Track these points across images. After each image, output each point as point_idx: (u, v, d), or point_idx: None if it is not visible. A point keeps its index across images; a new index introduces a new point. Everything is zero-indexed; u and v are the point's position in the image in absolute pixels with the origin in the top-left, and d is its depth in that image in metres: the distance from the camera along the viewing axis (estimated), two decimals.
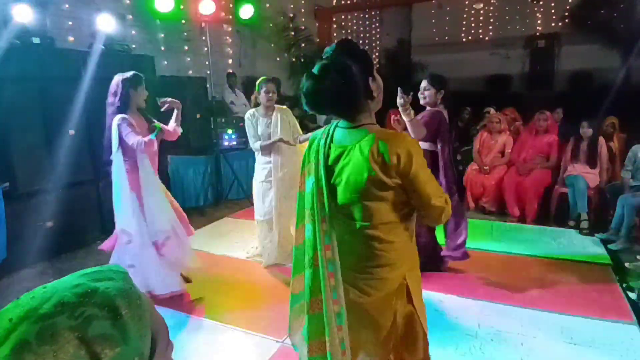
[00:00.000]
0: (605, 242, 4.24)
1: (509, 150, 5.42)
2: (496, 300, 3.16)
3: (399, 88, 2.80)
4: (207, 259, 3.99)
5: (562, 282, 3.47)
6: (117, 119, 3.02)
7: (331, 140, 1.54)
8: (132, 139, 2.99)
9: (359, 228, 1.50)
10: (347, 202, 1.50)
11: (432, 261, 3.58)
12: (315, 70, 1.47)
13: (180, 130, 3.40)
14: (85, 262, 4.11)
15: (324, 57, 1.50)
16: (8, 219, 3.64)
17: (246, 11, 5.91)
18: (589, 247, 4.20)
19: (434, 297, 3.22)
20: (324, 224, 1.52)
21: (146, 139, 3.02)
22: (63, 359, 0.42)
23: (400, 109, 2.85)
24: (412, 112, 2.89)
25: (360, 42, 11.08)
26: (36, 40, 4.14)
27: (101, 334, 0.45)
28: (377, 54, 11.30)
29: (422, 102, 3.45)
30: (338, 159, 1.51)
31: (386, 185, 1.43)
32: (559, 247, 4.19)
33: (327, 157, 1.52)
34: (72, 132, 4.25)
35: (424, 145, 3.41)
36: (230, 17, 6.62)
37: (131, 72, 3.10)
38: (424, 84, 3.43)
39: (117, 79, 3.07)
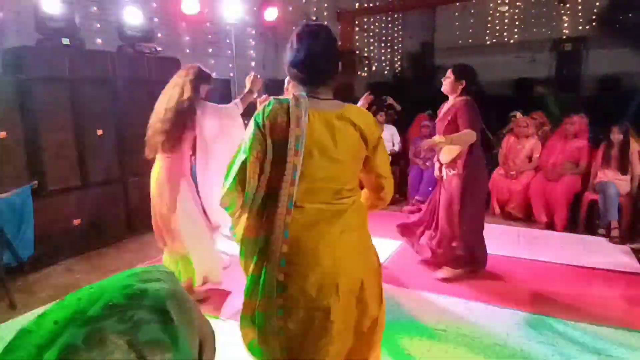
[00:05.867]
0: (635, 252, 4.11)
1: (537, 155, 5.29)
2: (525, 309, 3.08)
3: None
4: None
5: (592, 291, 3.36)
6: None
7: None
8: None
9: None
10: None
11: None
12: (306, 32, 1.59)
13: (235, 107, 3.13)
14: (112, 260, 4.16)
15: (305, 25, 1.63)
16: (36, 216, 3.70)
17: (271, 14, 5.94)
18: (620, 256, 4.06)
19: (461, 303, 3.16)
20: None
21: None
22: None
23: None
24: (439, 138, 2.96)
25: (383, 44, 11.01)
26: (66, 41, 4.22)
27: (152, 339, 0.42)
28: (399, 57, 11.20)
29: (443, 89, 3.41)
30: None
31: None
32: (589, 256, 4.06)
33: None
34: (100, 131, 4.32)
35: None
36: (254, 19, 6.66)
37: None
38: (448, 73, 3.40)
39: None
